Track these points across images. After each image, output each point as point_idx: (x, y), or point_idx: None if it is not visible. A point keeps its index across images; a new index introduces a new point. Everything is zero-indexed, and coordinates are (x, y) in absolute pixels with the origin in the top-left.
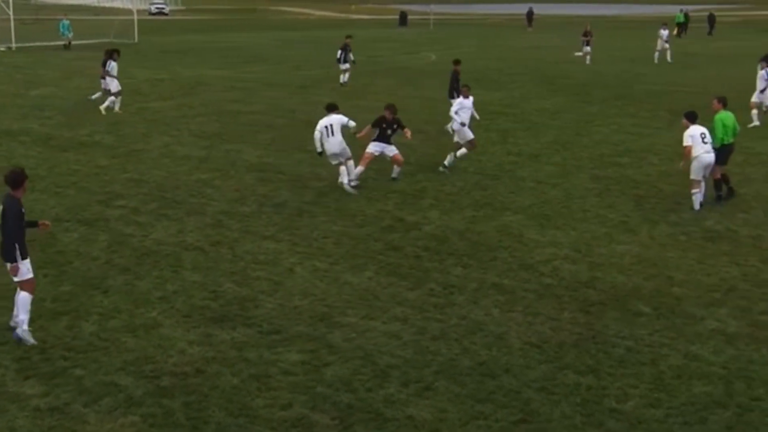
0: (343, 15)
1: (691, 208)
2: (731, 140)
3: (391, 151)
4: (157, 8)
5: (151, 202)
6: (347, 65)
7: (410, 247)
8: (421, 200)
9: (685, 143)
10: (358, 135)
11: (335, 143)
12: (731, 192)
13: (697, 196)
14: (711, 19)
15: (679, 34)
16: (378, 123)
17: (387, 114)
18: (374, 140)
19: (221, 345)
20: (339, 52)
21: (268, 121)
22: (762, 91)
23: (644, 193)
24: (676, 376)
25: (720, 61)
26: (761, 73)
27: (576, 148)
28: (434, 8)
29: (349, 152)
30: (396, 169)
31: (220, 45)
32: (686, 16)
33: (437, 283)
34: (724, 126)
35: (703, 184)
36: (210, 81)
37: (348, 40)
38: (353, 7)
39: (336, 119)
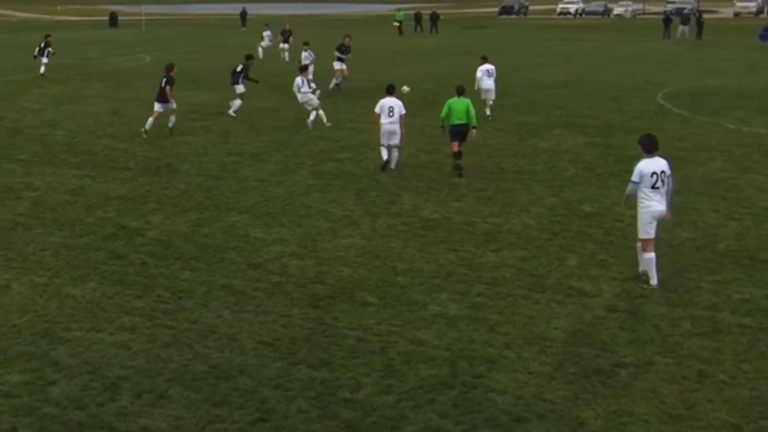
0: (48, 16)
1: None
2: (458, 122)
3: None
4: None
5: None
6: (47, 60)
7: (135, 254)
8: (144, 205)
9: (375, 111)
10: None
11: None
12: (459, 167)
13: (383, 153)
14: (434, 17)
15: (400, 32)
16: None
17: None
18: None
19: None
20: (36, 49)
21: None
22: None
23: (365, 187)
24: (404, 361)
25: (425, 57)
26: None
27: (296, 146)
28: (146, 8)
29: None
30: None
31: None
32: (403, 15)
33: (165, 289)
34: (450, 109)
35: (388, 152)
36: None
37: (49, 39)
38: (59, 7)
39: (299, 79)
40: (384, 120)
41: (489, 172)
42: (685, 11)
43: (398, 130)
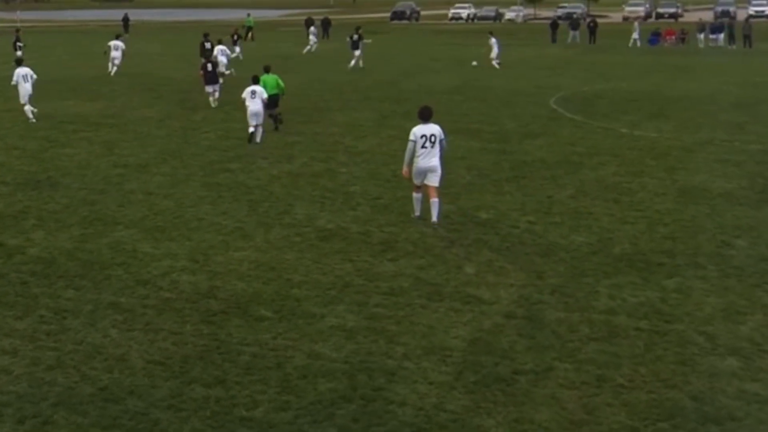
0: None
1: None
2: (271, 92)
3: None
4: None
5: None
6: None
7: (14, 274)
8: (23, 221)
9: (242, 96)
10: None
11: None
12: (280, 122)
13: (251, 130)
14: (325, 23)
15: (252, 38)
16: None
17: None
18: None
19: None
20: None
21: None
22: None
23: (257, 198)
24: (301, 376)
25: (316, 63)
26: None
27: (185, 156)
28: (21, 15)
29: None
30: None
31: None
32: (254, 20)
33: (48, 309)
34: (264, 84)
35: (255, 130)
36: None
37: None
38: None
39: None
40: (248, 103)
41: (384, 180)
42: (575, 16)
43: (261, 111)
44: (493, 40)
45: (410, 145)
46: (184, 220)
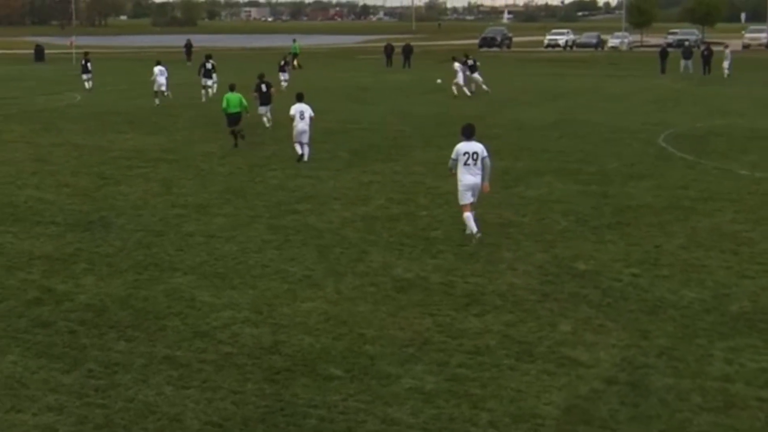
0: None
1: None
2: (233, 110)
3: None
4: None
5: None
6: None
7: (62, 322)
8: (74, 265)
9: (290, 113)
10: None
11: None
12: (241, 137)
13: (297, 148)
14: (406, 50)
15: (298, 65)
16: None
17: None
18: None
19: None
20: None
21: None
22: None
23: (328, 243)
24: None
25: (396, 94)
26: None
27: (250, 196)
28: (77, 40)
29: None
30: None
31: None
32: (299, 47)
33: (97, 362)
34: (228, 102)
35: (301, 148)
36: None
37: None
38: None
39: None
40: (297, 122)
41: None
42: (687, 43)
43: (308, 130)
44: (456, 65)
45: (451, 163)
46: (247, 267)
